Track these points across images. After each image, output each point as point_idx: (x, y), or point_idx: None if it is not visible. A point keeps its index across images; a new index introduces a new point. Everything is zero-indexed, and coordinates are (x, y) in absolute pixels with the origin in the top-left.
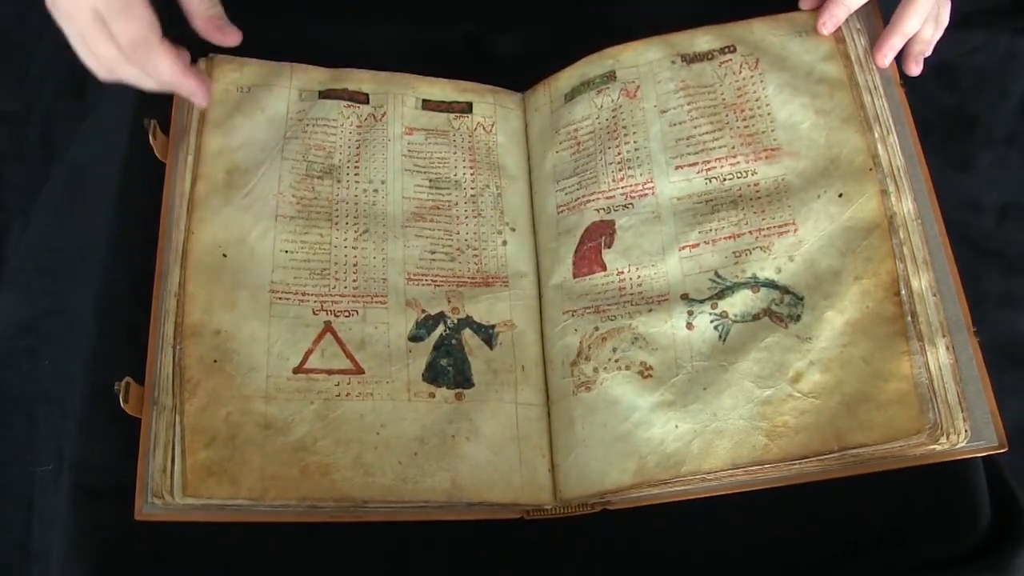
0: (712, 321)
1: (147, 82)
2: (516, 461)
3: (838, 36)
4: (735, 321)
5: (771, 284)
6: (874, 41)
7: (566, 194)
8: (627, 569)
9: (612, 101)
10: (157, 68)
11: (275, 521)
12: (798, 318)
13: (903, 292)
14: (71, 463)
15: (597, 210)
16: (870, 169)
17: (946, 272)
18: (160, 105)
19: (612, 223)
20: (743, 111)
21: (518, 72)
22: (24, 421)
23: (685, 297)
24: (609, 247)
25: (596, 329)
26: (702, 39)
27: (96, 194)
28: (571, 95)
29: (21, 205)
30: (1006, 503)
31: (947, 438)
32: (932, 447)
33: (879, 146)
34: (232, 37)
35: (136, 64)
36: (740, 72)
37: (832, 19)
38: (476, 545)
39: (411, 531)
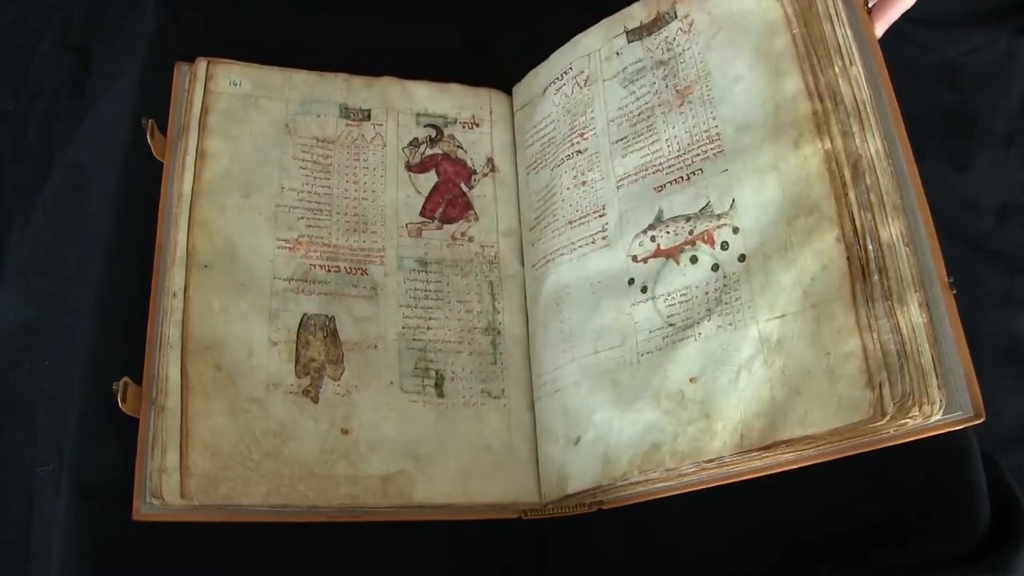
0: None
1: None
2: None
3: None
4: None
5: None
6: None
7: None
8: (625, 568)
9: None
10: None
11: (275, 521)
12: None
13: (870, 246)
14: (71, 463)
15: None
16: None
17: (917, 217)
18: (158, 105)
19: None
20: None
21: (518, 72)
22: (24, 421)
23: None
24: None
25: None
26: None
27: (96, 194)
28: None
29: (21, 205)
30: (1006, 503)
31: (919, 409)
32: (904, 421)
33: (840, 81)
34: None
35: None
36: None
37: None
38: (476, 545)
39: (411, 531)
